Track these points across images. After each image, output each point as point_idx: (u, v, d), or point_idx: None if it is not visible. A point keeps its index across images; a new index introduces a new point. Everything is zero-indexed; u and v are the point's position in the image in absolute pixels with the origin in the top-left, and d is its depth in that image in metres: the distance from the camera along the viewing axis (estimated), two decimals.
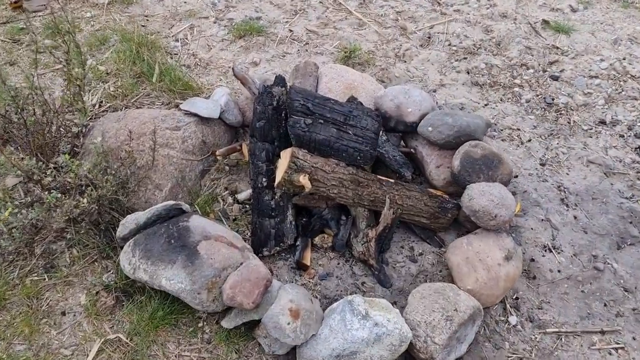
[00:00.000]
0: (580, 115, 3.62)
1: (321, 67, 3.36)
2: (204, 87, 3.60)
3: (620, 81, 3.89)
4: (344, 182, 2.62)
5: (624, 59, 4.09)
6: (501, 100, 3.74)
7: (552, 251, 2.84)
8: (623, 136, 3.47)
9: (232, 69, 3.09)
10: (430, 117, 2.95)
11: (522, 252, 2.67)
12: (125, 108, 3.37)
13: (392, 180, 2.77)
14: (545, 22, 4.46)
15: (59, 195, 2.47)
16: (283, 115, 2.79)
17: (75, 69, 2.61)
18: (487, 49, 4.18)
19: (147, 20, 4.22)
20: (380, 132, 2.88)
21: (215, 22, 4.27)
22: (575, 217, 2.99)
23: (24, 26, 3.89)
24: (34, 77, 2.76)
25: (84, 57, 2.72)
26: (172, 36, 4.09)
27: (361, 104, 2.98)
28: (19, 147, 2.83)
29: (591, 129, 3.52)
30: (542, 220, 2.97)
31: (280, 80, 2.85)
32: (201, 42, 4.06)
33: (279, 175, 2.57)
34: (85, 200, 2.48)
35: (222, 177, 3.09)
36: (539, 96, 3.76)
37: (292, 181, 2.55)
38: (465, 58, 4.08)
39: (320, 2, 4.65)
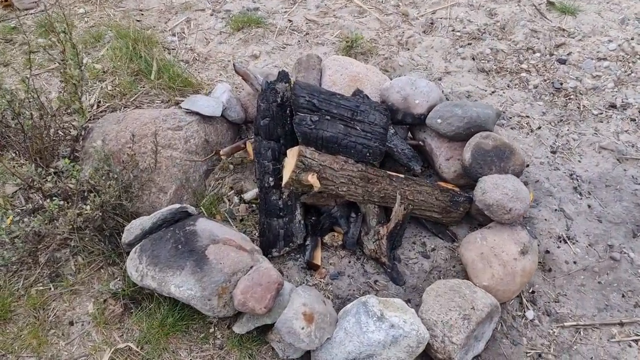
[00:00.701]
0: (589, 100, 3.53)
1: (324, 59, 3.27)
2: (203, 83, 3.52)
3: (629, 62, 3.80)
4: (353, 179, 2.55)
5: (632, 39, 3.99)
6: (508, 86, 3.65)
7: (567, 242, 2.78)
8: (634, 120, 3.39)
9: (233, 65, 3.00)
10: (439, 108, 2.87)
11: (537, 245, 2.61)
12: (124, 107, 3.28)
13: (402, 176, 2.69)
14: (550, 3, 4.35)
15: (61, 202, 2.40)
16: (288, 112, 2.71)
17: (72, 69, 2.52)
18: (492, 33, 4.09)
19: (142, 14, 4.11)
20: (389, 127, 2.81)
21: (212, 15, 4.17)
22: (589, 206, 2.93)
23: (16, 25, 3.78)
24: (29, 79, 2.67)
25: (81, 58, 2.63)
26: (169, 30, 3.99)
27: (367, 97, 2.90)
28: (17, 153, 2.76)
29: (601, 113, 3.44)
30: (556, 210, 2.90)
31: (283, 76, 2.76)
32: (199, 35, 3.96)
33: (287, 175, 2.50)
34: (88, 207, 2.41)
35: (226, 176, 3.02)
36: (547, 81, 3.67)
37: (300, 180, 2.48)
38: (469, 44, 3.99)
39: None
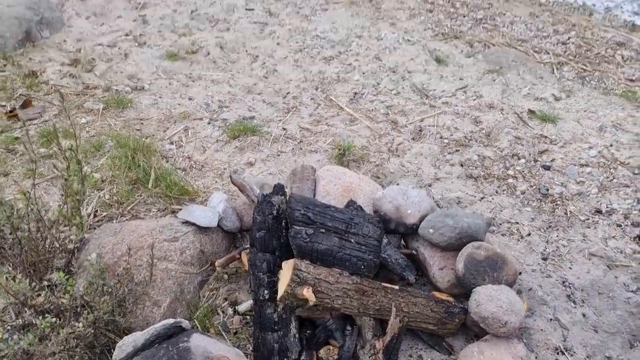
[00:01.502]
0: (575, 205, 3.64)
1: (318, 169, 3.38)
2: (200, 191, 3.59)
3: (610, 168, 3.95)
4: (348, 292, 2.56)
5: (611, 145, 4.19)
6: (496, 192, 3.76)
7: (564, 353, 2.74)
8: (620, 225, 3.48)
9: (230, 176, 3.09)
10: (431, 218, 2.94)
11: (535, 358, 2.58)
12: (121, 216, 3.33)
13: (396, 287, 2.71)
14: (531, 111, 4.59)
15: (53, 319, 2.37)
16: (283, 224, 2.76)
17: (74, 184, 2.59)
18: (478, 140, 4.27)
19: (142, 123, 4.27)
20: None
21: (209, 123, 4.34)
22: (584, 315, 2.93)
23: (19, 135, 3.91)
24: (30, 193, 2.72)
25: (84, 172, 2.70)
26: (167, 139, 4.13)
27: (361, 208, 2.97)
28: (12, 265, 2.75)
29: (588, 219, 3.53)
30: (551, 319, 2.90)
31: (279, 189, 2.84)
32: (196, 144, 4.10)
33: (282, 289, 2.50)
34: (80, 325, 2.37)
35: (221, 286, 3.01)
36: (533, 187, 3.79)
37: (296, 294, 2.48)
38: (457, 150, 4.15)
39: (312, 99, 4.76)
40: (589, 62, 5.53)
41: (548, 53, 5.74)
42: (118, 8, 6.19)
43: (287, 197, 2.81)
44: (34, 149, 3.74)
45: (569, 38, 6.05)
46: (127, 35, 5.61)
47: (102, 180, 3.59)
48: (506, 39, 6.03)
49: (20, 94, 4.39)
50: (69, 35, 5.48)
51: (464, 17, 6.64)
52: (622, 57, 5.63)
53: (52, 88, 4.52)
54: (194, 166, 3.88)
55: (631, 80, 5.18)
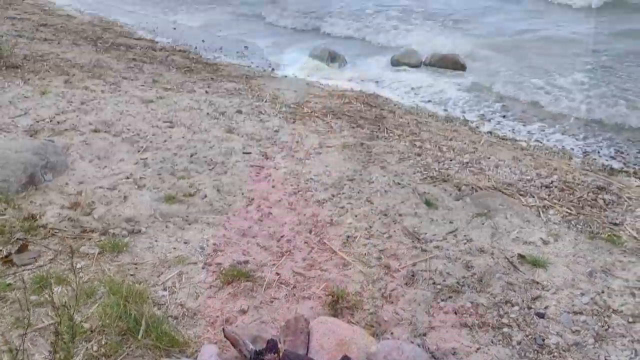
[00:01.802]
0: (573, 357, 3.57)
1: (312, 321, 3.36)
2: (190, 341, 3.52)
3: (604, 317, 3.94)
4: None
5: (603, 292, 4.21)
6: (492, 342, 3.71)
7: None
8: None
9: (223, 329, 3.07)
10: None
11: None
12: None
13: None
14: (521, 256, 4.67)
15: None
16: None
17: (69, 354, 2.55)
18: (471, 285, 4.29)
19: (136, 268, 4.29)
20: None
21: (203, 268, 4.37)
22: None
23: (11, 282, 3.90)
24: (17, 351, 2.67)
25: (75, 329, 2.67)
26: (161, 284, 4.13)
27: None
28: None
29: None
30: None
31: (272, 346, 2.81)
32: (189, 289, 4.09)
33: None
34: None
35: None
36: (529, 336, 3.75)
37: None
38: (450, 297, 4.15)
39: (306, 243, 4.85)
40: (572, 205, 5.75)
41: (533, 196, 5.97)
42: (121, 151, 6.49)
43: (281, 355, 2.76)
44: (26, 296, 3.71)
45: (551, 182, 6.33)
46: (127, 178, 5.82)
47: (92, 330, 3.52)
48: (492, 182, 6.30)
49: (17, 238, 4.45)
50: (72, 178, 5.68)
51: (451, 160, 6.99)
52: (604, 201, 5.86)
53: (49, 232, 4.60)
54: (186, 314, 3.84)
55: (615, 224, 5.35)
